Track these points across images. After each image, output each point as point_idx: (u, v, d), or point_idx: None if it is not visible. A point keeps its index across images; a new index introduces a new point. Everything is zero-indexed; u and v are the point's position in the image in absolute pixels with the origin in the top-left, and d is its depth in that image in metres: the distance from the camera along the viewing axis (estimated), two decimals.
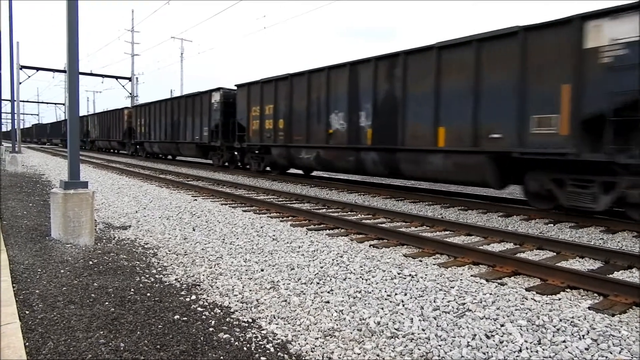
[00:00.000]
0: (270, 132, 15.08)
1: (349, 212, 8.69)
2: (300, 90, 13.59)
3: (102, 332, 2.99)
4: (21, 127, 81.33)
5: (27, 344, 2.74)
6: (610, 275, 4.64)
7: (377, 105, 10.88)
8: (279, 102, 14.61)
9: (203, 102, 19.89)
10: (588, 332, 3.12)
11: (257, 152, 16.68)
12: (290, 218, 7.84)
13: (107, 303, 3.53)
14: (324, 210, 8.91)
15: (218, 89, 18.84)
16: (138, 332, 3.03)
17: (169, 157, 28.67)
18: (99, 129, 36.70)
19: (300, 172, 17.45)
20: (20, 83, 29.62)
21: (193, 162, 24.69)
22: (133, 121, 28.85)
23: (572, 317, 3.36)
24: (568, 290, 4.21)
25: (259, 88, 15.66)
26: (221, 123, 18.47)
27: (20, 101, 35.99)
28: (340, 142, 12.03)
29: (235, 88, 17.34)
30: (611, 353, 2.86)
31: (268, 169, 16.86)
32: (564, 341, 3.00)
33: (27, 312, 3.27)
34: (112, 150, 38.32)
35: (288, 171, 17.35)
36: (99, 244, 5.50)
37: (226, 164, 19.64)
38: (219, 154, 19.64)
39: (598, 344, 2.96)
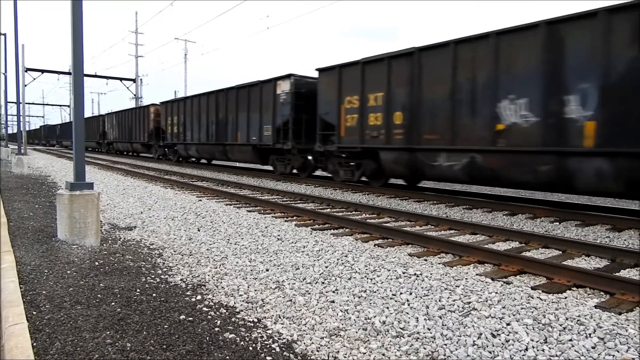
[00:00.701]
0: (377, 129, 11.28)
1: (354, 212, 8.68)
2: (434, 70, 9.82)
3: (108, 333, 3.01)
4: (28, 128, 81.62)
5: (34, 344, 2.76)
6: (617, 274, 4.61)
7: (610, 85, 7.13)
8: (393, 89, 10.84)
9: (264, 93, 15.84)
10: (594, 330, 3.11)
11: (346, 155, 12.70)
12: (294, 218, 7.85)
13: (113, 303, 3.54)
14: (329, 210, 8.91)
15: (287, 76, 14.76)
16: (144, 332, 3.04)
17: (206, 162, 24.42)
18: (118, 129, 32.41)
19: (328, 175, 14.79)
20: (25, 85, 29.84)
21: (245, 168, 21.07)
22: (162, 120, 24.81)
23: (579, 316, 3.35)
24: (574, 288, 4.19)
25: (358, 71, 11.80)
26: (292, 120, 14.49)
27: (26, 103, 36.21)
28: (524, 143, 8.23)
29: (315, 74, 13.60)
30: (618, 352, 2.85)
31: (364, 178, 12.90)
32: (570, 340, 2.99)
33: (34, 312, 3.29)
34: (132, 154, 33.85)
35: (416, 184, 13.18)
36: (104, 245, 5.53)
37: (294, 171, 15.66)
38: (286, 159, 15.50)
39: (605, 343, 2.95)
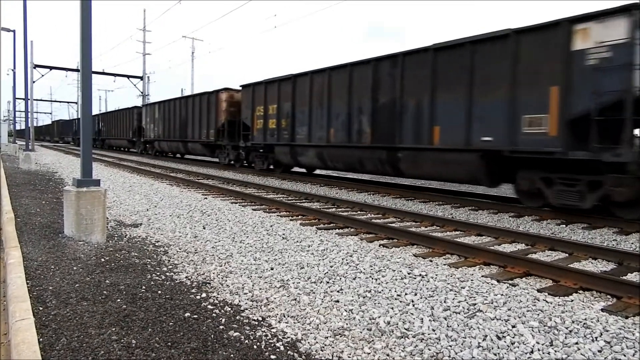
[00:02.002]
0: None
1: (359, 212, 8.67)
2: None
3: (114, 329, 3.02)
4: (36, 124, 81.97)
5: (41, 339, 2.78)
6: (624, 277, 4.58)
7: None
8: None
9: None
10: (601, 334, 3.09)
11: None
12: (299, 217, 7.86)
13: (118, 300, 3.56)
14: (334, 209, 8.91)
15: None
16: (149, 329, 3.05)
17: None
18: (163, 124, 25.74)
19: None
20: (34, 82, 30.04)
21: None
22: (245, 110, 17.24)
23: (585, 319, 3.33)
24: (580, 291, 4.16)
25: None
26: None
27: (34, 100, 36.45)
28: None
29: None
30: (625, 356, 2.83)
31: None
32: (576, 343, 2.97)
33: (40, 308, 3.32)
34: (174, 155, 28.01)
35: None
36: (110, 242, 5.56)
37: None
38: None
39: (611, 347, 2.93)
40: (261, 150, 17.02)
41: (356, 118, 11.93)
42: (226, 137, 19.09)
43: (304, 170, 17.39)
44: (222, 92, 19.39)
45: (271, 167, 16.71)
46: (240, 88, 17.95)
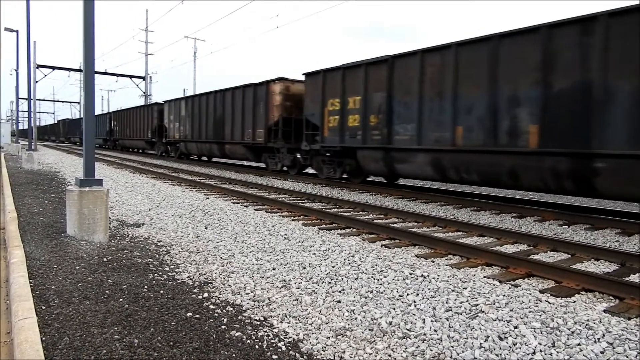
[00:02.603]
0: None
1: (361, 212, 8.67)
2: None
3: (116, 328, 3.03)
4: (39, 124, 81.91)
5: (43, 338, 2.79)
6: (627, 278, 4.57)
7: None
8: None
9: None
10: (603, 335, 3.08)
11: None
12: (301, 217, 7.86)
13: (121, 299, 3.57)
14: (336, 209, 8.91)
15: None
16: (151, 329, 3.06)
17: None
18: (191, 122, 22.05)
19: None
20: (36, 82, 30.13)
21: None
22: (309, 103, 13.92)
23: (587, 320, 3.32)
24: (583, 292, 4.15)
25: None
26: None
27: (37, 100, 36.49)
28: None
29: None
30: (627, 357, 2.82)
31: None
32: (578, 344, 2.96)
33: (43, 307, 3.33)
34: (199, 158, 25.01)
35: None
36: (113, 241, 5.57)
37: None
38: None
39: (614, 348, 2.92)
40: (328, 154, 13.53)
41: (506, 111, 8.56)
42: (280, 137, 15.52)
43: (381, 179, 14.17)
44: (275, 83, 15.66)
45: (344, 175, 13.34)
46: (303, 77, 14.27)
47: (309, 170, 16.37)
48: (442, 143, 9.64)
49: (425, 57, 10.04)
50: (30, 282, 3.74)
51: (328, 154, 13.57)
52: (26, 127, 34.26)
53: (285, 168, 16.43)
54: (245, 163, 22.34)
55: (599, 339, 3.04)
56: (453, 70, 9.39)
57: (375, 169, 11.97)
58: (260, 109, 16.35)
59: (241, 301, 3.71)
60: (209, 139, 20.32)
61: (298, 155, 15.41)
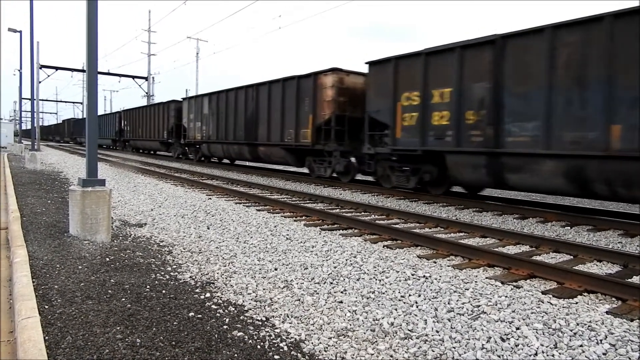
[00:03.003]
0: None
1: (363, 213, 8.67)
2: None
3: (118, 328, 3.04)
4: (43, 124, 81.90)
5: (46, 337, 2.80)
6: (629, 280, 4.56)
7: None
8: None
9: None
10: (606, 336, 3.07)
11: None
12: (303, 218, 7.86)
13: (123, 299, 3.58)
14: (338, 210, 8.91)
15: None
16: (154, 329, 3.07)
17: None
18: (216, 122, 19.46)
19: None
20: (40, 82, 30.24)
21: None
22: (375, 100, 11.65)
23: (590, 322, 3.31)
24: (585, 294, 4.15)
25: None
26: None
27: (40, 100, 36.59)
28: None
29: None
30: (629, 359, 2.81)
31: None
32: (580, 345, 2.96)
33: (46, 306, 3.34)
34: (219, 161, 22.31)
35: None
36: (115, 241, 5.58)
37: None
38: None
39: (616, 349, 2.92)
40: (394, 159, 11.23)
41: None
42: (333, 139, 13.18)
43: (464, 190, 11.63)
44: (326, 75, 13.24)
45: (418, 185, 11.03)
46: (367, 66, 11.84)
47: (362, 177, 14.25)
48: (583, 146, 7.36)
49: (557, 35, 7.76)
50: (33, 282, 3.75)
51: (394, 158, 11.22)
52: (29, 127, 34.08)
53: (335, 174, 13.91)
54: (281, 168, 19.78)
55: (601, 340, 3.03)
56: (607, 51, 7.09)
57: (472, 178, 9.57)
58: (305, 105, 13.92)
59: (243, 301, 3.71)
60: (239, 140, 17.67)
61: (352, 160, 13.21)
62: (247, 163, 22.09)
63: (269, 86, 15.86)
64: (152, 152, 32.42)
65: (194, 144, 22.63)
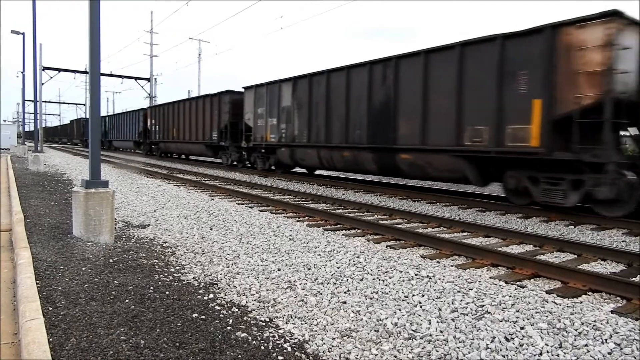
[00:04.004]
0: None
1: (366, 213, 8.66)
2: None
3: (122, 329, 3.04)
4: (46, 125, 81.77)
5: (50, 339, 2.80)
6: (634, 279, 4.54)
7: None
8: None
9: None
10: (611, 336, 3.06)
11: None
12: (306, 218, 7.86)
13: (127, 300, 3.58)
14: (340, 210, 8.90)
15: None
16: (157, 330, 3.07)
17: None
18: (306, 117, 14.02)
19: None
20: (42, 84, 30.33)
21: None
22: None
23: (594, 321, 3.30)
24: (590, 293, 4.13)
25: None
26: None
27: (43, 101, 36.67)
28: None
29: None
30: (635, 358, 2.80)
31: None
32: (586, 345, 2.95)
33: (50, 308, 3.34)
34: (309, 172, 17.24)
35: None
36: (118, 242, 5.59)
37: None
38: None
39: (621, 349, 2.90)
40: None
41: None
42: (614, 142, 7.59)
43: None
44: (584, 27, 7.40)
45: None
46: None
47: None
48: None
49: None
50: (37, 283, 3.76)
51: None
52: (32, 128, 33.82)
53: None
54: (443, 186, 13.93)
55: (606, 339, 3.02)
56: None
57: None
58: (523, 83, 8.22)
59: (246, 302, 3.71)
60: (356, 143, 12.02)
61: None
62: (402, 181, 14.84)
63: (424, 59, 10.08)
64: (185, 157, 27.87)
65: (262, 148, 17.24)
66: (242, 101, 18.15)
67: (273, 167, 17.27)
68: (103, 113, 49.15)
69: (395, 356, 2.87)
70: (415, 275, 4.37)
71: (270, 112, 16.09)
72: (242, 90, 18.19)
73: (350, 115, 12.32)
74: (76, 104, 68.93)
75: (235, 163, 20.08)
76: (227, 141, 19.66)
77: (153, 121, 28.75)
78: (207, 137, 21.28)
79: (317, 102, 13.60)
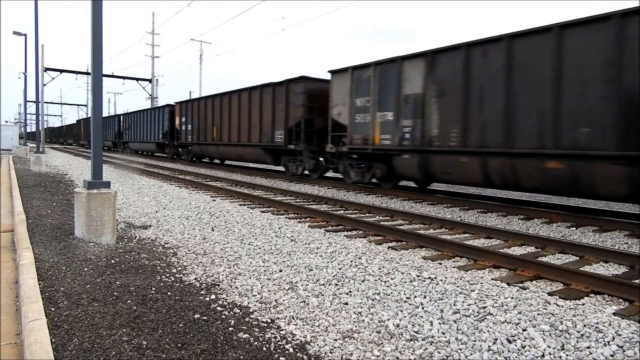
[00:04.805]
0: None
1: (367, 214, 8.66)
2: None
3: (124, 330, 3.04)
4: (48, 126, 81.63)
5: (53, 340, 2.81)
6: (636, 281, 4.53)
7: None
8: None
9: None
10: (613, 338, 3.05)
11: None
12: (308, 219, 7.86)
13: (129, 301, 3.58)
14: (342, 211, 8.90)
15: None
16: (160, 331, 3.07)
17: None
18: (462, 106, 9.25)
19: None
20: (44, 85, 30.40)
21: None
22: None
23: (597, 323, 3.29)
24: (592, 295, 4.13)
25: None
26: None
27: (45, 102, 36.72)
28: None
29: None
30: None
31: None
32: (588, 347, 2.94)
33: (52, 309, 3.35)
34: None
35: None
36: (120, 243, 5.60)
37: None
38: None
39: (624, 351, 2.89)
40: None
41: None
42: None
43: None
44: None
45: None
46: None
47: None
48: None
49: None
50: (39, 284, 3.77)
51: None
52: (35, 129, 33.53)
53: None
54: None
55: (608, 341, 3.01)
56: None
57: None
58: None
59: (248, 303, 3.71)
60: (579, 149, 7.60)
61: None
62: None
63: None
64: (220, 162, 23.69)
65: (366, 154, 12.25)
66: (321, 91, 14.27)
67: (375, 180, 12.56)
68: (104, 114, 48.87)
69: (397, 357, 2.86)
70: (417, 276, 4.37)
71: (381, 103, 11.45)
72: (324, 77, 13.94)
73: (563, 103, 7.73)
74: (78, 105, 69.07)
75: (307, 172, 15.38)
76: (299, 144, 14.51)
77: (184, 119, 23.74)
78: (267, 138, 16.22)
79: (481, 85, 9.06)
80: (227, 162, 24.16)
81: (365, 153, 12.17)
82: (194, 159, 24.39)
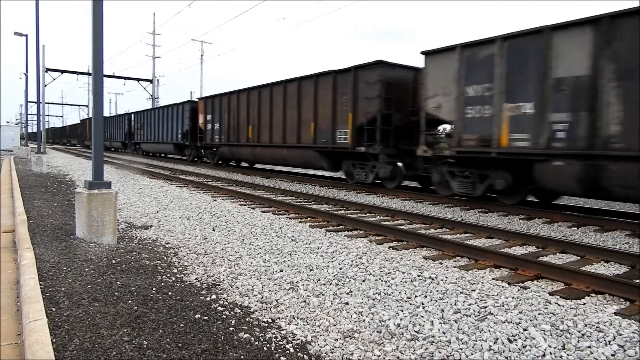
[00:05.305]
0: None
1: (368, 214, 8.66)
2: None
3: (125, 330, 3.05)
4: (50, 126, 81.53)
5: (54, 340, 2.81)
6: (637, 280, 4.52)
7: None
8: None
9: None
10: (614, 338, 3.05)
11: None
12: (308, 219, 7.86)
13: (130, 301, 3.59)
14: (343, 211, 8.90)
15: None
16: (160, 331, 3.07)
17: None
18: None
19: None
20: (45, 85, 30.43)
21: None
22: None
23: (598, 323, 3.29)
24: (593, 295, 4.12)
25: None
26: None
27: (46, 103, 36.73)
28: None
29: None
30: None
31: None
32: (589, 347, 2.94)
33: (53, 309, 3.35)
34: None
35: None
36: (121, 243, 5.60)
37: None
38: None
39: (625, 351, 2.89)
40: None
41: None
42: None
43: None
44: None
45: None
46: None
47: None
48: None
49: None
50: (40, 284, 3.77)
51: None
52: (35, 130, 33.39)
53: None
54: None
55: (609, 341, 3.01)
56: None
57: None
58: None
59: (249, 303, 3.71)
60: None
61: None
62: None
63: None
64: (250, 165, 21.36)
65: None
66: (400, 79, 11.84)
67: (494, 194, 9.83)
68: (105, 114, 48.61)
69: (398, 357, 2.86)
70: (418, 276, 4.37)
71: (511, 91, 8.50)
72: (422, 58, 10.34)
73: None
74: (79, 105, 69.09)
75: (378, 180, 12.48)
76: (374, 145, 11.84)
77: (209, 117, 20.78)
78: (325, 139, 13.50)
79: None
80: (257, 165, 21.34)
81: (477, 159, 9.31)
82: (220, 162, 21.21)
